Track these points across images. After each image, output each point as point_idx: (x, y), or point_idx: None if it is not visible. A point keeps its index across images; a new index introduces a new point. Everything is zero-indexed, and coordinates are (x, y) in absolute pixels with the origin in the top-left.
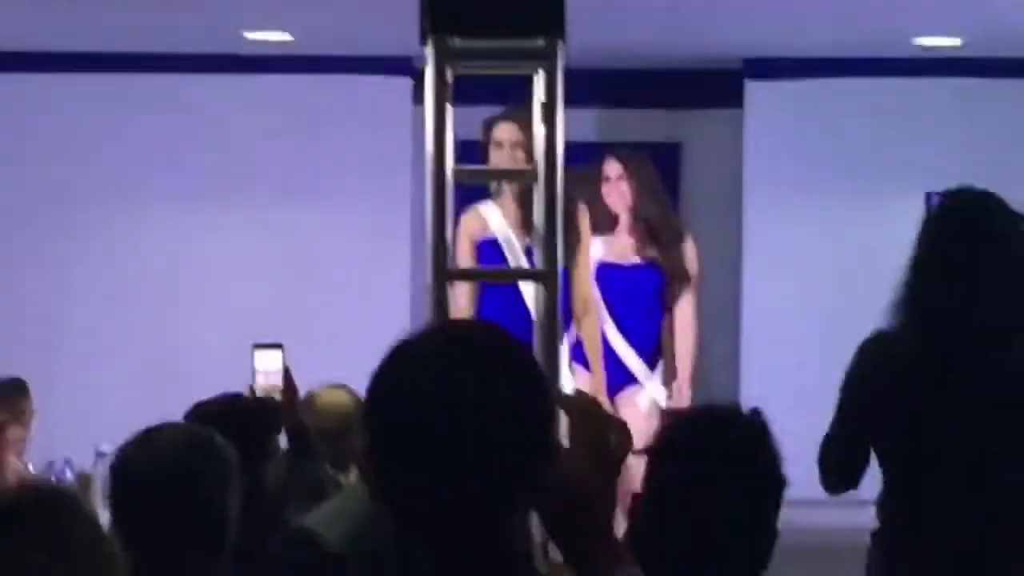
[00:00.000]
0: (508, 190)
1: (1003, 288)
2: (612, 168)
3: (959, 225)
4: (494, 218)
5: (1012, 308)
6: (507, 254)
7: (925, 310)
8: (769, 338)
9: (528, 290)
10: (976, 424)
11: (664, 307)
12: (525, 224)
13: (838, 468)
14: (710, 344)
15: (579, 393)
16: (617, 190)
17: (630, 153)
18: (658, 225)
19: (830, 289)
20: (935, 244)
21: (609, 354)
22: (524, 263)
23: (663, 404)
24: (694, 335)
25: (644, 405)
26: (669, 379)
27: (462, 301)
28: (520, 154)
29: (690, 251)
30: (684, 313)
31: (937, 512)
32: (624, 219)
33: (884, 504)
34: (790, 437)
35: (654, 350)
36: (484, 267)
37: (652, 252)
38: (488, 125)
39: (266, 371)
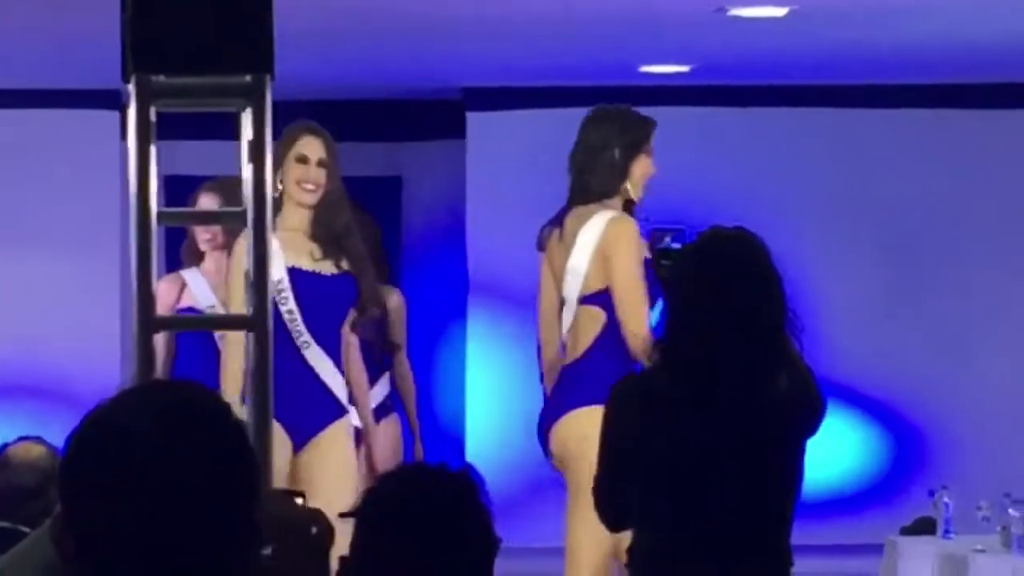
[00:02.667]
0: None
1: (760, 326)
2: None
3: (715, 266)
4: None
5: (770, 346)
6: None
7: (684, 350)
8: (495, 366)
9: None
10: (737, 461)
11: None
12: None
13: (608, 509)
14: (438, 377)
15: (272, 495)
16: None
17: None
18: None
19: None
20: (691, 285)
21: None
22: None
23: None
24: None
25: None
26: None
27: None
28: (319, 172)
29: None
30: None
31: (691, 545)
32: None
33: (640, 540)
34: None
35: None
36: (188, 315)
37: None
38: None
39: None
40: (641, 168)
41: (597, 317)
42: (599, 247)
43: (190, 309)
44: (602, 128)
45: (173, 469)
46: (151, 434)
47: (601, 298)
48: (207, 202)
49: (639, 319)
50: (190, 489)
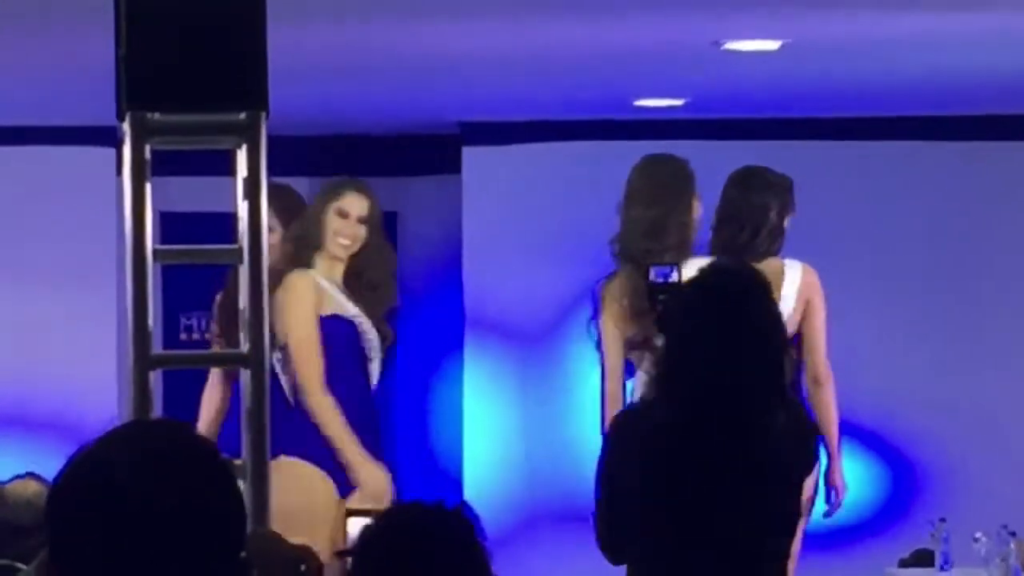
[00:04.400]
0: None
1: (758, 363)
2: None
3: (713, 302)
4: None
5: (768, 383)
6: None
7: (682, 385)
8: (493, 403)
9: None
10: (736, 496)
11: None
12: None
13: (608, 543)
14: (433, 414)
15: (257, 536)
16: None
17: None
18: None
19: (553, 355)
20: (693, 320)
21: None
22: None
23: None
24: None
25: None
26: None
27: None
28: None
29: None
30: None
31: None
32: None
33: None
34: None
35: None
36: (188, 352)
37: None
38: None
39: None
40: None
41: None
42: (801, 294)
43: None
44: (764, 192)
45: (158, 511)
46: (136, 475)
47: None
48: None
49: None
50: (176, 530)
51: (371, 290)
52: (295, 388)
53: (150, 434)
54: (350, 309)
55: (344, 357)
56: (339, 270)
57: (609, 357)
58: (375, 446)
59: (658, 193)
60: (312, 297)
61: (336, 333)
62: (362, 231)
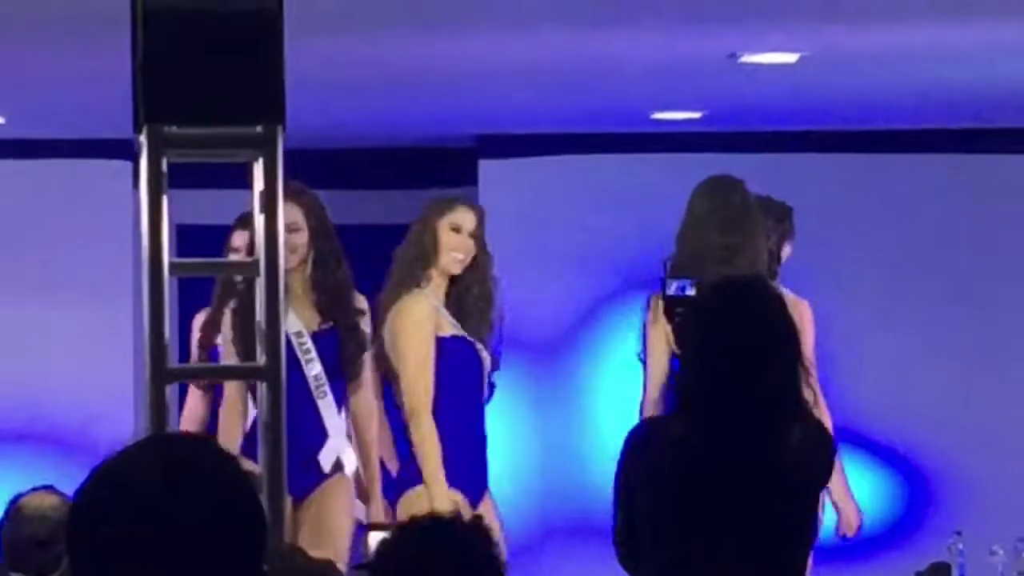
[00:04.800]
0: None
1: (773, 377)
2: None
3: (730, 316)
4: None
5: (783, 397)
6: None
7: (697, 400)
8: (506, 410)
9: None
10: (751, 511)
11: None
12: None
13: (628, 557)
14: None
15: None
16: None
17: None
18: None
19: (568, 367)
20: (704, 334)
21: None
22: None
23: None
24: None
25: None
26: None
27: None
28: (471, 243)
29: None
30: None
31: None
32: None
33: None
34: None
35: None
36: (204, 365)
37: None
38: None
39: None
40: None
41: None
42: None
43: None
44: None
45: (179, 525)
46: (157, 490)
47: None
48: (466, 217)
49: None
50: (197, 545)
51: (484, 304)
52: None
53: (171, 447)
54: (462, 330)
55: (467, 378)
56: (444, 288)
57: (654, 369)
58: (481, 474)
59: (736, 219)
60: (431, 322)
61: (459, 353)
62: (472, 245)
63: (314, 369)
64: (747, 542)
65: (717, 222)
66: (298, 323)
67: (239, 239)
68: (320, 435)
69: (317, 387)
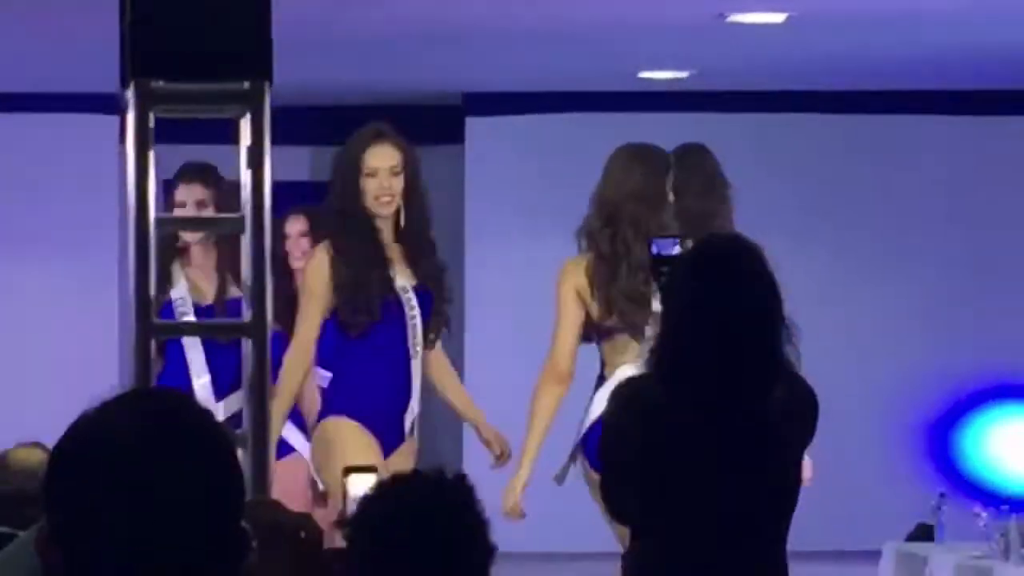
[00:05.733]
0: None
1: (757, 335)
2: (295, 226)
3: (712, 274)
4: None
5: (767, 356)
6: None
7: (680, 359)
8: (494, 375)
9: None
10: (733, 470)
11: None
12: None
13: (620, 513)
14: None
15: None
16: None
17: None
18: None
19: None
20: (687, 293)
21: None
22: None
23: None
24: None
25: None
26: None
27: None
28: (396, 182)
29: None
30: None
31: (685, 554)
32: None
33: (634, 547)
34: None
35: None
36: (189, 322)
37: None
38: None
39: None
40: None
41: None
42: None
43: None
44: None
45: (157, 479)
46: (135, 442)
47: None
48: (295, 226)
49: None
50: (175, 499)
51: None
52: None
53: (150, 401)
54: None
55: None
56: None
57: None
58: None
59: (708, 185)
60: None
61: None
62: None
63: (415, 326)
64: (729, 505)
65: (691, 189)
66: (403, 277)
67: (183, 193)
68: (407, 396)
69: (414, 345)
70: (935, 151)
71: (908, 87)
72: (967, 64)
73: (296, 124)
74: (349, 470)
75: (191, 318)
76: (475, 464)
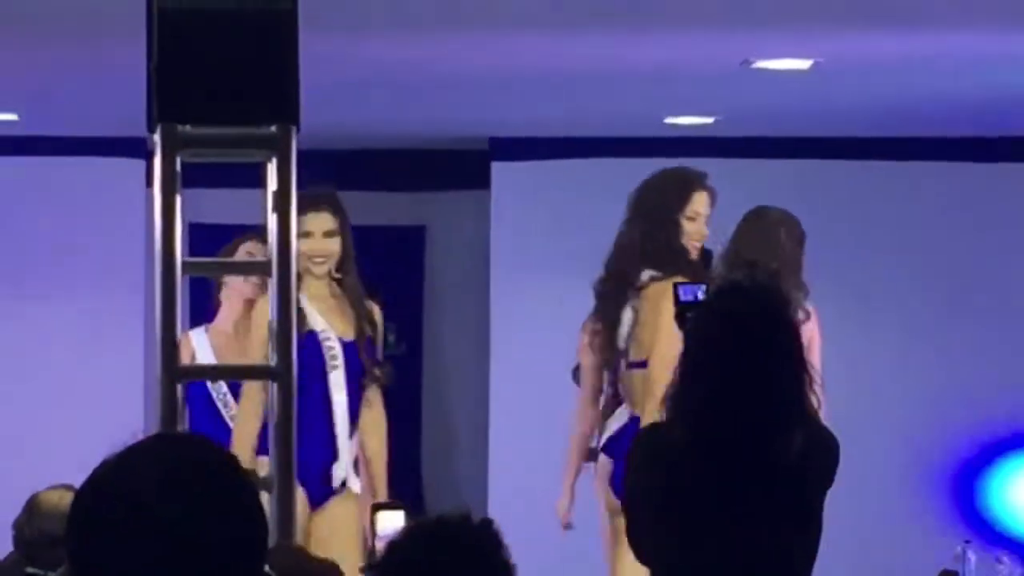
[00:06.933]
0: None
1: (776, 383)
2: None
3: (732, 322)
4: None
5: (786, 404)
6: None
7: (700, 406)
8: (518, 420)
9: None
10: (753, 519)
11: None
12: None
13: (643, 557)
14: (459, 427)
15: (282, 549)
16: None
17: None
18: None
19: None
20: (708, 340)
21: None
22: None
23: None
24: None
25: None
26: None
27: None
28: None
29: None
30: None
31: None
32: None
33: None
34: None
35: None
36: (216, 364)
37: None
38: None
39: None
40: None
41: None
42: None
43: None
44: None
45: (180, 524)
46: (158, 489)
47: None
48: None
49: None
50: (197, 544)
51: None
52: None
53: (173, 447)
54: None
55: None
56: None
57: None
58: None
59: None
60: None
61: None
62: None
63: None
64: (751, 547)
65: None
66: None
67: (313, 223)
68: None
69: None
70: (968, 197)
71: (936, 134)
72: (999, 110)
73: (323, 169)
74: (377, 507)
75: (339, 355)
76: (501, 508)
